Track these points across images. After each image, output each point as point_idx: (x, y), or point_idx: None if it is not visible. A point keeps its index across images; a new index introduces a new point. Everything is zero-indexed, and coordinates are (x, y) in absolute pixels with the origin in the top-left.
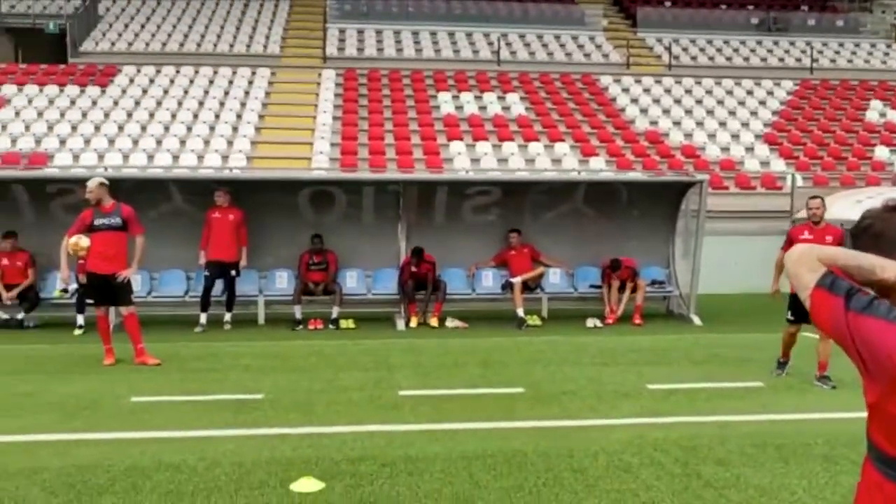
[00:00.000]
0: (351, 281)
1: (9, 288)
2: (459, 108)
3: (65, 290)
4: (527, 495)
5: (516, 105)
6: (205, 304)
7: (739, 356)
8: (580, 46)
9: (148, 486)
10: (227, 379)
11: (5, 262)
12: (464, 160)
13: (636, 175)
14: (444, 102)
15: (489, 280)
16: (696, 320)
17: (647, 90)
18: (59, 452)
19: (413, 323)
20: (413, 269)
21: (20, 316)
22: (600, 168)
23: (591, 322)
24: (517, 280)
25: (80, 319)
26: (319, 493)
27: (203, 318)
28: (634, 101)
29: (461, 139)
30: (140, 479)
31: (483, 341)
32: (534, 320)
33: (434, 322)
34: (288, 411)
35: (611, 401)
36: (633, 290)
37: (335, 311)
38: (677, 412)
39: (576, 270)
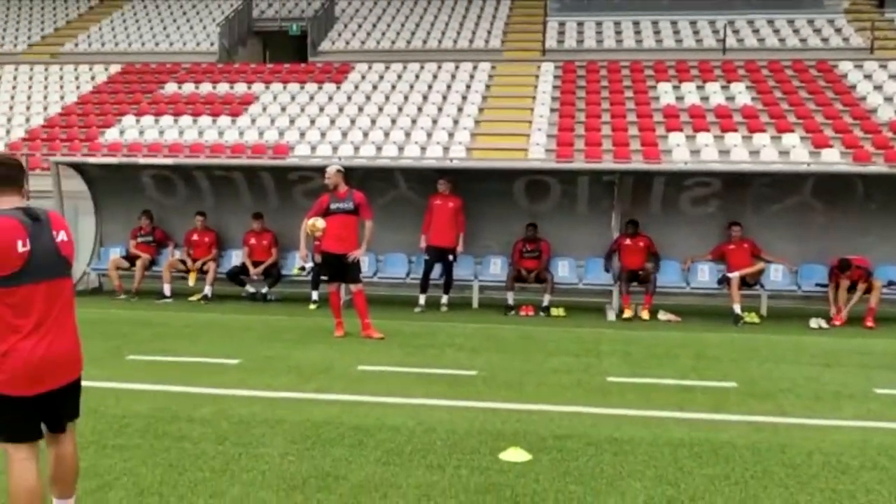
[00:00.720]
0: (563, 270)
1: (255, 265)
2: (680, 98)
3: (302, 269)
4: (732, 485)
5: (741, 95)
6: (424, 286)
7: None
8: (817, 31)
9: (371, 443)
10: (443, 355)
11: (253, 241)
12: (683, 152)
13: (875, 168)
14: (664, 93)
15: (705, 274)
16: None
17: (893, 76)
18: (297, 409)
19: (626, 314)
20: (627, 241)
21: (264, 290)
22: (834, 160)
23: (814, 322)
24: (735, 275)
25: (315, 295)
26: (527, 463)
27: (422, 299)
28: (878, 88)
29: (681, 130)
30: (365, 437)
31: (696, 335)
32: (751, 318)
33: (645, 315)
34: (499, 388)
35: (831, 402)
36: (866, 291)
37: (546, 299)
38: None
39: (800, 268)
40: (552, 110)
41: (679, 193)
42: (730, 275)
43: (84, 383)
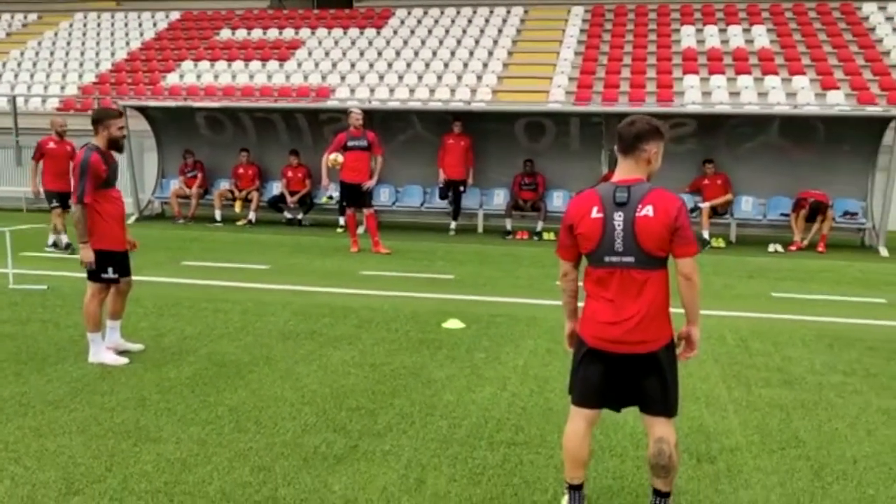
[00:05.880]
0: (557, 200)
1: (292, 194)
2: (701, 41)
3: (330, 197)
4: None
5: (761, 37)
6: (455, 213)
7: (885, 281)
8: None
9: (352, 316)
10: (433, 265)
11: (290, 174)
12: (695, 94)
13: (826, 109)
14: (687, 36)
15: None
16: (884, 252)
17: None
18: (305, 297)
19: None
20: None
21: (299, 216)
22: (837, 102)
23: (772, 247)
24: (705, 205)
25: (342, 220)
26: (459, 329)
27: (453, 224)
28: None
29: (697, 73)
30: (349, 313)
31: None
32: (718, 242)
33: None
34: (467, 287)
35: (729, 300)
36: (822, 221)
37: (540, 225)
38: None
39: (768, 200)
40: (577, 54)
41: None
42: (700, 205)
43: (148, 278)
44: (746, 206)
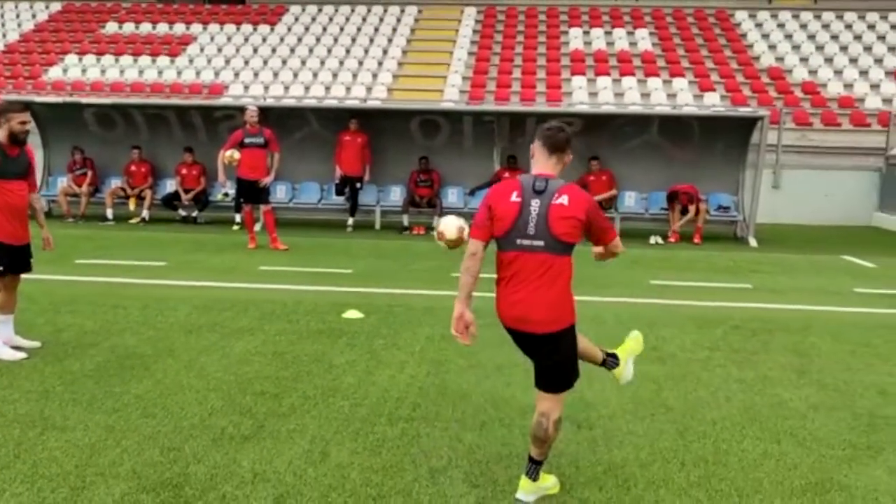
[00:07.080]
0: (452, 196)
1: (187, 192)
2: (588, 43)
3: (226, 195)
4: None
5: (644, 40)
6: (353, 209)
7: (752, 268)
8: None
9: (253, 309)
10: (331, 260)
11: (185, 171)
12: (583, 94)
13: (699, 110)
14: (574, 38)
15: None
16: (753, 242)
17: (781, 25)
18: (204, 291)
19: None
20: (507, 174)
21: (194, 214)
22: (713, 103)
23: (653, 239)
24: None
25: (238, 218)
26: (359, 318)
27: (351, 220)
28: (765, 36)
29: (584, 74)
30: (250, 306)
31: None
32: None
33: None
34: (364, 280)
35: (611, 287)
36: (696, 213)
37: (436, 221)
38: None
39: (649, 195)
40: (470, 54)
41: None
42: None
43: (40, 276)
44: (630, 201)
